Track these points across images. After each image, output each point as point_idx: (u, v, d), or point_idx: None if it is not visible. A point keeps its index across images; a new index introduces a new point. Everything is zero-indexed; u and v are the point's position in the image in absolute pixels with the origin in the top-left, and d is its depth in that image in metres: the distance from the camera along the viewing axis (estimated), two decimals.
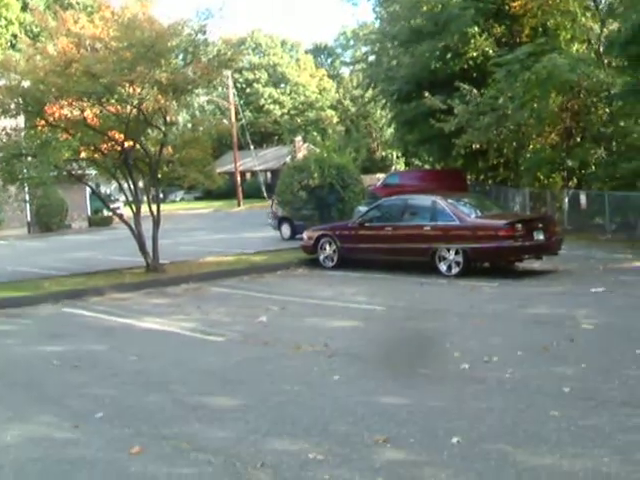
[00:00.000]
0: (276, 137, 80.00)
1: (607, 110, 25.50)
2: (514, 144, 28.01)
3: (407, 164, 52.05)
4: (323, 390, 7.81)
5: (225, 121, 63.46)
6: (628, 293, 12.96)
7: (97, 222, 43.73)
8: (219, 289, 16.00)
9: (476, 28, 28.92)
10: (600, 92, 24.69)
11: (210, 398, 7.87)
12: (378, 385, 8.05)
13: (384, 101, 37.26)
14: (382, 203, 18.39)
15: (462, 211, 16.07)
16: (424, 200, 17.42)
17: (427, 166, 40.78)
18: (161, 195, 73.69)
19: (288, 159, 68.33)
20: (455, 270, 15.67)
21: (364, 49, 43.22)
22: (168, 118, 19.25)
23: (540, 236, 15.61)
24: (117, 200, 56.80)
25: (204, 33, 18.35)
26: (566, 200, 25.34)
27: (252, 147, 66.87)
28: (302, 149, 69.23)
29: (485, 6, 28.97)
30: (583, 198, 24.33)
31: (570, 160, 25.17)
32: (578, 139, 27.03)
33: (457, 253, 15.65)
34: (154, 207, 18.73)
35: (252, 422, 6.88)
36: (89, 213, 44.85)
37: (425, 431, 6.43)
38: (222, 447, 6.28)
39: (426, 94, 26.15)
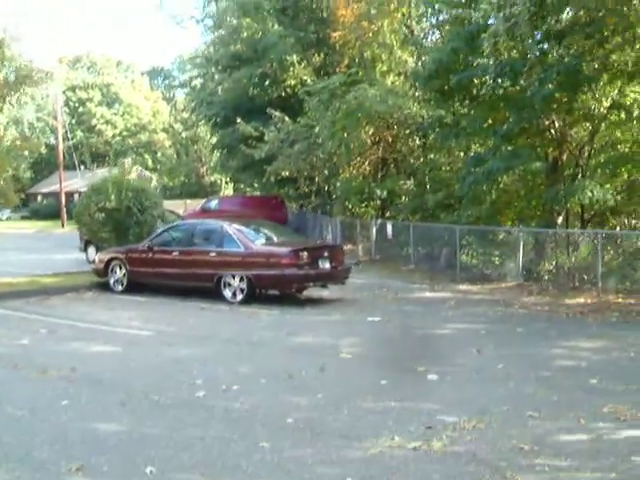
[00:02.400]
0: (107, 158, 77.96)
1: (417, 142, 26.07)
2: (325, 172, 28.22)
3: (235, 189, 51.86)
4: (47, 415, 7.53)
5: (51, 140, 61.60)
6: (403, 323, 13.05)
7: None
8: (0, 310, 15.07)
9: (295, 56, 29.10)
10: (412, 124, 25.21)
11: None
12: (104, 411, 7.71)
13: (206, 126, 36.85)
14: (172, 227, 17.91)
15: (248, 238, 15.82)
16: (212, 225, 17.16)
17: (257, 192, 40.72)
18: None
19: None
20: (239, 297, 15.39)
21: (190, 74, 42.79)
22: None
23: (326, 265, 15.57)
24: None
25: (7, 47, 17.55)
26: (374, 230, 25.65)
27: (80, 168, 64.87)
28: (132, 171, 68.02)
29: (306, 35, 29.30)
30: (389, 228, 24.70)
31: (379, 190, 25.48)
32: (391, 170, 27.49)
33: (242, 280, 15.38)
34: None
35: None
36: None
37: (125, 460, 6.16)
38: None
39: (238, 120, 25.95)
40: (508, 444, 6.35)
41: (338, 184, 27.49)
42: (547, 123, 19.19)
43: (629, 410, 7.21)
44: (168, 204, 56.16)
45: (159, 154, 71.66)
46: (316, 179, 29.05)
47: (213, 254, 15.94)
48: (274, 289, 15.85)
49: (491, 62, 17.50)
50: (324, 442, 6.58)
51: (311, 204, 31.09)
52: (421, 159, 25.59)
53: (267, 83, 30.58)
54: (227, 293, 15.57)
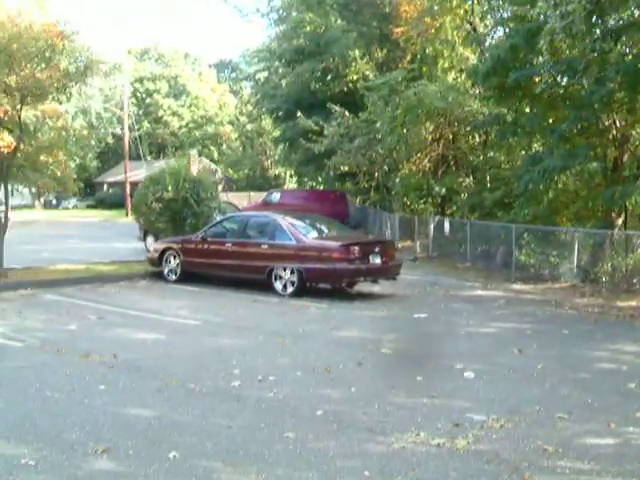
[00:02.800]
0: (173, 149, 79.03)
1: (478, 140, 25.86)
2: (385, 168, 28.17)
3: (299, 183, 52.06)
4: (82, 399, 7.77)
5: (118, 130, 62.77)
6: (449, 320, 12.99)
7: None
8: (53, 296, 15.53)
9: (357, 52, 29.10)
10: (472, 122, 25.02)
11: None
12: (139, 397, 7.94)
13: (269, 119, 37.13)
14: (226, 219, 18.13)
15: (300, 231, 15.93)
16: (265, 218, 17.28)
17: (320, 186, 40.83)
18: (54, 201, 72.24)
19: None
20: (290, 290, 15.52)
21: (255, 67, 43.11)
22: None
23: (377, 260, 15.59)
24: (2, 203, 55.41)
25: (68, 40, 17.95)
26: (432, 227, 25.55)
27: (146, 158, 65.95)
28: (196, 162, 68.83)
29: (368, 31, 29.27)
30: (447, 225, 24.58)
31: (438, 187, 25.37)
32: (451, 167, 27.33)
33: (292, 273, 15.51)
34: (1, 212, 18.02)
35: None
36: None
37: (150, 444, 6.34)
38: None
39: (299, 114, 26.07)
40: (533, 445, 6.33)
41: (397, 180, 27.34)
42: (607, 123, 18.82)
43: None
44: (232, 196, 56.97)
45: (224, 146, 72.23)
46: (375, 174, 28.97)
47: (265, 246, 16.10)
48: (325, 283, 15.94)
49: (549, 60, 17.23)
50: (349, 435, 6.65)
51: (370, 199, 30.97)
52: (481, 157, 25.28)
53: (329, 78, 30.64)
54: (278, 285, 15.71)
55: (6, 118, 18.34)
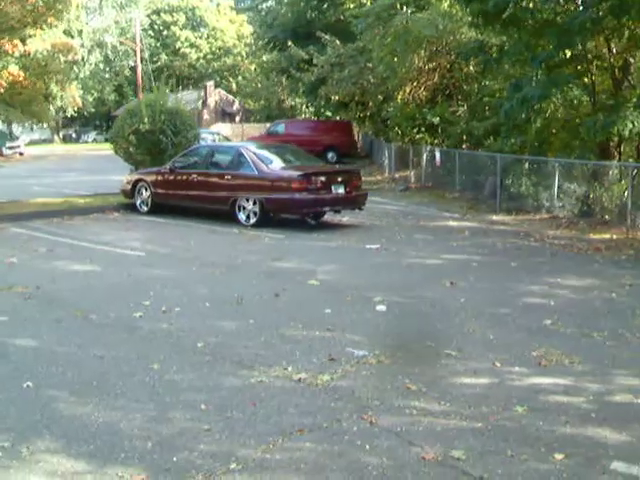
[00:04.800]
0: (191, 81, 78.27)
1: (473, 69, 25.05)
2: (380, 97, 27.45)
3: (317, 114, 51.21)
4: None
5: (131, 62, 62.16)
6: (398, 251, 12.64)
7: None
8: (18, 229, 15.43)
9: None
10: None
11: None
12: (34, 327, 7.85)
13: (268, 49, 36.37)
14: (193, 149, 17.77)
15: (262, 161, 15.53)
16: (230, 148, 16.98)
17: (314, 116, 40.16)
18: (74, 135, 72.27)
19: (199, 103, 67.26)
20: (252, 220, 15.22)
21: None
22: None
23: (339, 190, 15.20)
24: (17, 138, 55.57)
25: None
26: (425, 157, 25.02)
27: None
28: (213, 94, 68.19)
29: None
30: (437, 155, 24.03)
31: (430, 116, 24.71)
32: (448, 96, 26.61)
33: (255, 203, 15.19)
34: None
35: None
36: None
37: (13, 374, 6.29)
38: None
39: (289, 43, 25.39)
40: (399, 383, 6.03)
41: (390, 110, 26.67)
42: (598, 50, 18.03)
43: (560, 356, 6.74)
44: (249, 127, 56.42)
45: (239, 78, 71.28)
46: (369, 104, 28.27)
47: (229, 177, 15.78)
48: (285, 213, 15.61)
49: None
50: (214, 368, 6.44)
51: (366, 129, 30.35)
52: (475, 85, 24.47)
53: (325, 6, 29.72)
54: (241, 216, 15.44)
55: None
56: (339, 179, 15.31)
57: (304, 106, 60.09)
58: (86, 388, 5.97)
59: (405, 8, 22.00)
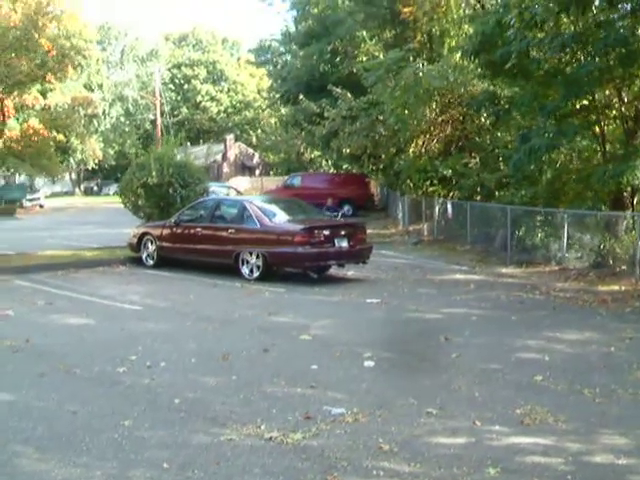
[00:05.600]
0: (211, 134, 79.12)
1: (487, 120, 25.06)
2: (392, 150, 27.49)
3: (335, 167, 51.39)
4: None
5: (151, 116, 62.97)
6: (399, 306, 12.47)
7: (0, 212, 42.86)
8: (22, 282, 15.48)
9: (365, 33, 28.43)
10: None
11: None
12: (16, 381, 7.88)
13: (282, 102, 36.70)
14: (197, 203, 17.82)
15: (266, 215, 15.52)
16: (234, 202, 17.02)
17: (331, 169, 40.26)
18: (95, 187, 73.07)
19: (218, 157, 67.85)
20: (256, 274, 15.15)
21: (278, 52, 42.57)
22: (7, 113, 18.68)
23: (342, 243, 15.12)
24: (37, 191, 56.27)
25: (57, 20, 17.88)
26: (437, 209, 24.93)
27: (186, 144, 65.98)
28: (233, 147, 68.80)
29: (377, 11, 28.52)
30: (450, 208, 23.94)
31: (442, 168, 24.67)
32: (461, 148, 26.58)
33: (258, 257, 15.14)
34: None
35: None
36: None
37: None
38: None
39: (300, 97, 25.58)
40: (372, 443, 5.85)
41: (401, 162, 26.67)
42: (608, 99, 17.98)
43: (545, 414, 6.53)
44: (267, 180, 56.66)
45: (259, 131, 71.94)
46: (382, 156, 28.30)
47: (232, 230, 15.77)
48: (288, 267, 15.54)
49: (540, 35, 16.47)
50: (186, 425, 6.31)
51: (378, 181, 30.36)
52: (487, 137, 24.44)
53: (337, 60, 29.98)
54: (245, 270, 15.38)
55: None
56: (342, 233, 15.24)
57: (323, 159, 60.53)
58: (53, 444, 5.88)
59: (415, 60, 22.03)
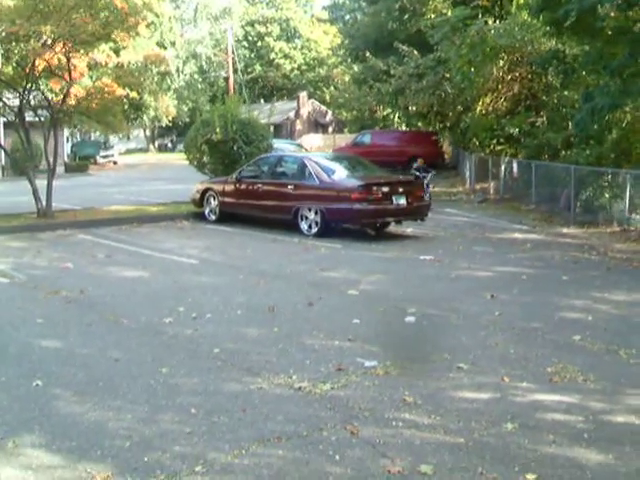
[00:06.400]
0: (285, 92, 79.09)
1: (550, 79, 24.55)
2: (459, 108, 27.18)
3: (408, 125, 50.89)
4: (11, 331, 8.19)
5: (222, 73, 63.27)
6: (451, 263, 12.49)
7: (73, 168, 43.97)
8: (85, 236, 15.98)
9: None
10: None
11: None
12: (65, 330, 8.21)
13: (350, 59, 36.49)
14: (259, 159, 18.00)
15: (324, 171, 15.64)
16: (294, 159, 17.15)
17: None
18: (169, 144, 73.79)
19: (291, 114, 67.91)
20: (314, 230, 15.33)
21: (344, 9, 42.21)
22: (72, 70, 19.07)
23: (400, 200, 15.16)
24: (111, 147, 57.36)
25: None
26: (503, 168, 24.66)
27: (261, 101, 66.32)
28: (306, 104, 68.72)
29: None
30: (515, 167, 23.67)
31: (509, 127, 24.34)
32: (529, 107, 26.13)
33: (316, 213, 15.29)
34: (50, 157, 18.65)
35: None
36: (66, 159, 45.01)
37: (29, 373, 6.57)
38: None
39: (367, 54, 25.45)
40: (397, 395, 5.98)
41: (467, 120, 26.36)
42: None
43: (576, 373, 6.54)
44: (340, 137, 56.51)
45: (332, 88, 71.63)
46: (449, 114, 28.00)
47: (291, 187, 15.93)
48: (346, 223, 15.64)
49: None
50: (220, 374, 6.55)
51: (444, 139, 30.07)
52: (555, 96, 23.96)
53: (406, 17, 29.62)
54: (303, 226, 15.57)
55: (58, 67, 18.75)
56: (400, 190, 15.27)
57: (395, 117, 60.00)
58: (91, 388, 6.17)
59: (481, 17, 21.67)
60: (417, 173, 18.37)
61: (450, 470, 4.62)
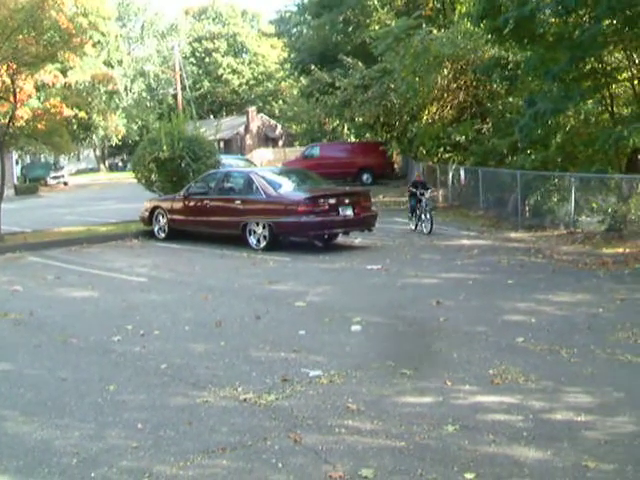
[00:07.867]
0: (234, 107, 79.15)
1: (495, 86, 24.95)
2: (405, 117, 27.48)
3: (357, 136, 51.24)
4: None
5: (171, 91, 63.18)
6: (399, 272, 12.64)
7: (23, 190, 43.51)
8: (35, 258, 15.84)
9: (376, 1, 28.31)
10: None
11: None
12: (12, 351, 8.27)
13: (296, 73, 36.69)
14: (206, 175, 18.03)
15: (271, 185, 15.72)
16: (240, 174, 17.26)
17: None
18: (120, 163, 73.05)
19: (241, 129, 67.95)
20: (263, 244, 15.38)
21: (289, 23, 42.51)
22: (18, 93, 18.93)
23: (347, 211, 15.29)
24: (62, 168, 56.81)
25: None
26: (450, 175, 24.97)
27: (210, 117, 66.23)
28: (256, 119, 68.82)
29: None
30: (462, 174, 23.98)
31: (454, 135, 24.67)
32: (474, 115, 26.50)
33: (264, 227, 15.35)
34: None
35: None
36: (15, 181, 44.52)
37: None
38: None
39: (312, 67, 25.64)
40: (341, 402, 6.07)
41: (413, 130, 26.67)
42: (616, 62, 17.88)
43: (517, 374, 6.68)
44: (290, 151, 56.62)
45: (280, 101, 71.90)
46: (396, 124, 28.30)
47: (239, 202, 16.00)
48: (293, 236, 15.76)
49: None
50: (167, 389, 6.61)
51: (391, 149, 30.34)
52: (499, 103, 24.37)
53: (350, 29, 29.90)
54: (252, 240, 15.64)
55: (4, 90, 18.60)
56: (347, 201, 15.40)
57: (345, 128, 60.39)
58: (39, 408, 6.18)
59: (424, 26, 21.97)
60: (414, 190, 18.36)
61: (390, 473, 4.71)
